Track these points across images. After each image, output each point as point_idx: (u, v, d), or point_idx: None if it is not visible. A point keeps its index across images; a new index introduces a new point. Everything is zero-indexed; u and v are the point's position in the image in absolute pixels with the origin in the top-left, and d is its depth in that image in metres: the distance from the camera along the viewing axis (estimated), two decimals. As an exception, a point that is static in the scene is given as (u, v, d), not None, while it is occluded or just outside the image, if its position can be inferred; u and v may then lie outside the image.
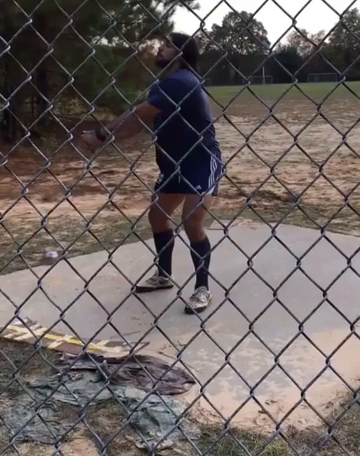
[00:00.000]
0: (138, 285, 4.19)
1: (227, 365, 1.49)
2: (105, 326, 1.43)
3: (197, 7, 16.69)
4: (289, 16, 0.91)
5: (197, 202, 3.71)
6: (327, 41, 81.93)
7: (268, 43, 78.96)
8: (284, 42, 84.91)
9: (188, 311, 3.59)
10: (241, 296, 3.36)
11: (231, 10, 1.12)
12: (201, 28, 0.97)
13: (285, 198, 7.19)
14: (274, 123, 15.12)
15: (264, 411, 1.19)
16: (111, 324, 1.18)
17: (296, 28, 0.93)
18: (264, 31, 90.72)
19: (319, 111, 0.91)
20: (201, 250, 3.61)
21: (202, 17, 1.05)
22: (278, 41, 1.07)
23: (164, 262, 3.99)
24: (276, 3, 0.91)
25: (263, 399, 2.58)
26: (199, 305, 3.75)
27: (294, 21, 0.91)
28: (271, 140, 13.35)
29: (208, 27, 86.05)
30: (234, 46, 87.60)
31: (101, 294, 3.70)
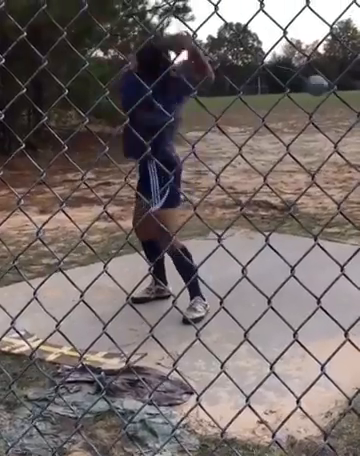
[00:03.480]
0: (135, 296, 4.20)
1: (225, 375, 1.48)
2: (102, 337, 1.42)
3: (192, 19, 16.79)
4: (280, 27, 0.92)
5: (158, 216, 3.68)
6: (321, 51, 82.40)
7: (263, 54, 79.27)
8: (279, 52, 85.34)
9: (185, 321, 3.58)
10: (238, 306, 3.35)
11: (228, 22, 1.13)
12: (194, 39, 0.98)
13: (282, 208, 7.20)
14: (270, 133, 15.10)
15: (262, 421, 1.19)
16: (107, 334, 1.18)
17: (287, 39, 0.94)
18: (259, 42, 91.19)
19: (311, 120, 0.92)
20: (181, 260, 3.62)
21: (195, 28, 1.06)
22: (270, 51, 1.08)
23: (158, 271, 3.99)
24: (267, 14, 0.92)
25: (261, 409, 2.57)
26: (196, 315, 3.75)
27: (285, 32, 0.92)
28: (267, 150, 13.38)
29: (203, 38, 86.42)
30: (229, 57, 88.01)
31: (98, 305, 3.66)
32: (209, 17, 0.97)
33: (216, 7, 0.97)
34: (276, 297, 1.26)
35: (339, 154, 1.00)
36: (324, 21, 0.95)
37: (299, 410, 1.45)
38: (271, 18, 0.94)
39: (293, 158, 1.05)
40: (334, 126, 18.57)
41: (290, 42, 1.02)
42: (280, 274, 1.37)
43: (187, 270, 3.64)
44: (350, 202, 7.41)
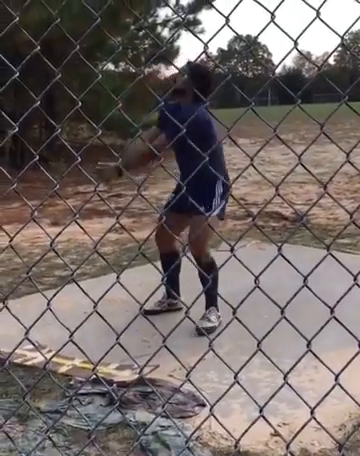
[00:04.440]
0: (146, 308, 4.19)
1: (238, 387, 1.48)
2: (115, 349, 1.42)
3: (202, 31, 16.88)
4: (291, 38, 0.92)
5: (202, 223, 3.74)
6: (332, 62, 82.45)
7: (273, 65, 79.38)
8: (289, 64, 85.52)
9: (199, 332, 3.57)
10: (251, 317, 3.34)
11: (239, 34, 1.14)
12: (205, 51, 0.99)
13: (293, 219, 7.18)
14: (281, 144, 15.13)
15: (276, 432, 1.18)
16: (120, 345, 1.18)
17: (298, 50, 0.95)
18: (269, 53, 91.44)
19: (322, 130, 0.92)
20: (208, 271, 3.61)
21: (206, 41, 1.07)
22: (280, 63, 1.08)
23: (172, 284, 3.98)
24: (278, 26, 0.93)
25: (275, 421, 2.56)
26: (210, 324, 3.74)
27: (296, 43, 0.93)
28: (278, 161, 13.38)
29: (214, 51, 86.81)
30: (240, 69, 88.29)
31: (111, 317, 3.66)
32: (220, 28, 0.98)
33: (227, 19, 0.97)
34: (289, 308, 1.25)
35: (351, 164, 1.00)
36: (334, 32, 0.95)
37: (313, 422, 1.44)
38: (282, 30, 0.94)
39: (305, 168, 1.05)
40: (345, 137, 18.55)
41: (301, 53, 1.02)
42: (292, 285, 1.37)
43: (212, 281, 3.66)
44: (362, 213, 7.37)
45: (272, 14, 0.94)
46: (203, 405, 2.75)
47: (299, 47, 1.03)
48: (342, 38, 0.95)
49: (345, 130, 20.55)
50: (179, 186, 3.93)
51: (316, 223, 7.01)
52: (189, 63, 3.86)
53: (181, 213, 3.71)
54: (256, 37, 1.05)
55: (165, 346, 1.15)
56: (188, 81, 3.65)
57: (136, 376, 2.99)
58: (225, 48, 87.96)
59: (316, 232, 6.41)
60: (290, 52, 0.95)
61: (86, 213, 7.79)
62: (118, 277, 1.15)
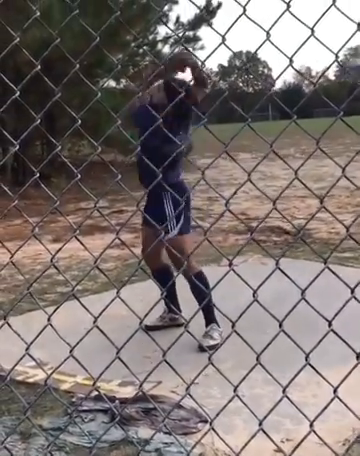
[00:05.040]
0: (148, 324, 4.18)
1: (241, 403, 1.47)
2: (117, 366, 1.42)
3: (202, 48, 17.03)
4: (286, 56, 0.93)
5: (174, 242, 3.68)
6: (332, 77, 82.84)
7: (273, 80, 79.84)
8: (289, 79, 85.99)
9: (201, 349, 3.56)
10: (253, 332, 3.33)
11: (235, 50, 1.15)
12: (202, 69, 1.00)
13: (295, 233, 7.19)
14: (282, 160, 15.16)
15: (278, 448, 1.18)
16: (121, 360, 1.18)
17: (293, 67, 0.96)
18: (269, 69, 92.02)
19: (318, 146, 0.93)
20: (197, 285, 3.62)
21: (204, 58, 1.08)
22: (277, 79, 1.10)
23: (171, 299, 3.97)
24: (273, 44, 0.94)
25: (278, 437, 2.54)
26: (212, 342, 3.73)
27: (291, 61, 0.94)
28: (279, 176, 13.41)
29: (214, 67, 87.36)
30: (240, 84, 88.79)
31: (112, 333, 3.65)
32: (216, 48, 0.99)
33: (223, 38, 0.99)
34: (292, 323, 1.26)
35: (347, 178, 1.01)
36: (329, 49, 0.97)
37: (316, 438, 1.43)
38: (277, 48, 0.96)
39: (302, 183, 1.06)
40: (347, 151, 18.61)
41: (297, 70, 1.03)
42: (296, 300, 1.37)
43: (202, 295, 3.64)
44: (364, 227, 7.38)
45: (267, 33, 0.95)
46: (206, 421, 2.74)
47: (299, 63, 1.05)
48: (336, 55, 0.96)
49: (346, 144, 20.61)
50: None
51: (318, 237, 7.01)
52: (165, 79, 3.79)
53: (152, 228, 3.71)
54: (252, 55, 1.07)
55: (165, 361, 1.15)
56: (164, 96, 3.62)
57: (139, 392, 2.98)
58: (225, 64, 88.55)
59: (317, 246, 6.41)
60: (286, 69, 0.96)
61: (88, 229, 7.80)
62: (118, 292, 1.15)
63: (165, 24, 6.73)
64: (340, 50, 0.94)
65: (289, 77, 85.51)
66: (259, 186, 1.30)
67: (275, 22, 0.98)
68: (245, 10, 0.99)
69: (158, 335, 3.71)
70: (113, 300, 1.25)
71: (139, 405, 2.82)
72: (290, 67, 1.10)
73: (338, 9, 0.95)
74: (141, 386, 1.18)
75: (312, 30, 0.96)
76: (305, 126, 1.34)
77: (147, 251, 3.83)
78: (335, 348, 1.66)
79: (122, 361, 1.24)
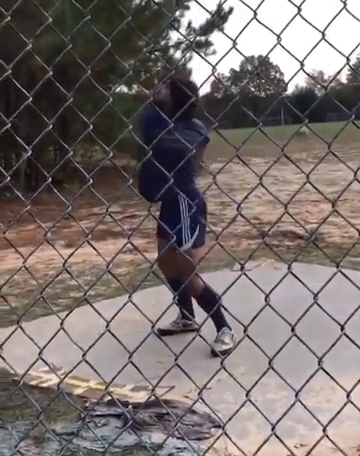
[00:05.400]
0: (161, 328, 4.16)
1: (254, 408, 1.47)
2: (130, 370, 1.42)
3: (214, 53, 17.06)
4: (297, 60, 0.93)
5: (178, 256, 3.65)
6: (344, 81, 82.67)
7: (285, 85, 79.75)
8: (302, 83, 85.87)
9: (214, 354, 3.55)
10: (266, 338, 3.33)
11: (247, 55, 1.15)
12: (213, 74, 1.00)
13: (307, 237, 7.16)
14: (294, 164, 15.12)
15: (292, 454, 1.17)
16: (133, 364, 1.18)
17: (305, 71, 0.96)
18: (281, 73, 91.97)
19: (330, 149, 0.93)
20: (202, 300, 3.61)
21: (215, 63, 1.08)
22: (288, 83, 1.09)
23: (185, 304, 3.97)
24: (284, 48, 0.94)
25: (292, 443, 2.53)
26: (224, 347, 3.71)
27: (302, 64, 0.94)
28: (291, 180, 13.38)
29: (226, 72, 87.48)
30: (252, 89, 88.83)
31: (124, 338, 3.65)
32: (227, 52, 1.00)
33: (234, 42, 0.99)
34: (305, 328, 1.25)
35: (359, 182, 1.01)
36: (340, 53, 0.96)
37: (330, 444, 1.42)
38: (288, 51, 0.95)
39: (313, 186, 1.06)
40: None
41: (308, 74, 1.03)
42: (309, 304, 1.36)
43: (211, 307, 3.62)
44: (377, 231, 7.33)
45: (278, 36, 0.95)
46: (219, 426, 2.73)
47: (311, 66, 1.06)
48: (347, 58, 0.96)
49: (359, 148, 20.52)
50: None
51: (331, 242, 6.97)
52: (172, 77, 3.80)
53: (166, 238, 3.67)
54: (264, 58, 1.07)
55: (177, 365, 1.14)
56: (167, 94, 3.62)
57: (152, 397, 2.98)
58: (237, 69, 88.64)
59: (331, 250, 6.38)
60: (297, 73, 0.96)
61: (100, 234, 7.82)
62: (130, 297, 1.16)
63: (176, 29, 6.75)
64: (351, 53, 0.94)
65: (301, 81, 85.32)
66: (271, 191, 1.29)
67: (286, 26, 0.98)
68: (256, 14, 0.99)
69: (171, 340, 3.70)
70: (125, 305, 1.25)
71: (152, 410, 2.82)
72: (302, 71, 1.10)
73: (349, 12, 0.95)
74: (153, 391, 1.18)
75: (323, 34, 0.96)
76: (317, 130, 1.34)
77: (161, 260, 3.80)
78: (348, 353, 1.65)
79: (135, 366, 1.24)
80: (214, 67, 1.00)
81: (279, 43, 0.93)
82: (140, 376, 1.50)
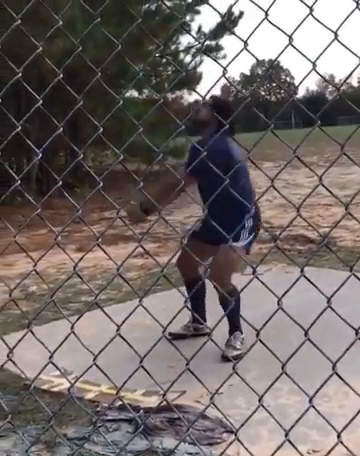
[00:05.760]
0: (172, 332, 4.16)
1: (266, 413, 1.45)
2: (142, 375, 1.41)
3: (224, 57, 17.08)
4: (309, 60, 0.92)
5: (227, 254, 3.74)
6: (355, 84, 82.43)
7: (295, 88, 79.74)
8: (312, 87, 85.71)
9: (225, 358, 3.54)
10: (279, 342, 3.30)
11: (258, 58, 1.14)
12: (224, 75, 0.99)
13: (319, 241, 7.12)
14: (306, 167, 15.11)
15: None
16: (144, 369, 1.17)
17: (317, 72, 0.95)
18: (291, 77, 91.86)
19: (343, 151, 0.92)
20: (228, 301, 3.61)
21: (227, 67, 1.08)
22: (299, 85, 1.08)
23: (197, 309, 3.96)
24: (295, 48, 0.93)
25: (305, 449, 2.50)
26: (235, 352, 3.70)
27: (314, 65, 0.93)
28: (303, 184, 13.33)
29: (236, 76, 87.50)
30: (263, 93, 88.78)
31: (136, 342, 3.64)
32: (238, 53, 0.99)
33: (246, 43, 0.98)
34: (319, 332, 1.24)
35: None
36: (353, 53, 0.95)
37: (344, 450, 1.40)
38: (300, 52, 0.94)
39: (327, 189, 1.05)
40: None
41: (320, 75, 1.02)
42: (322, 308, 1.34)
43: (233, 310, 3.64)
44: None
45: (290, 37, 0.94)
46: (231, 432, 2.71)
47: (321, 70, 1.04)
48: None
49: (371, 152, 20.43)
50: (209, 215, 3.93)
51: (343, 245, 6.93)
52: (212, 97, 3.91)
53: (205, 243, 3.78)
54: (275, 60, 1.06)
55: (189, 370, 1.13)
56: (210, 113, 3.69)
57: (163, 402, 2.96)
58: (248, 73, 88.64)
59: (343, 254, 6.34)
60: (308, 74, 0.95)
61: (111, 239, 7.82)
62: (141, 301, 1.15)
63: (188, 31, 6.75)
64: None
65: (312, 85, 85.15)
66: (283, 194, 1.28)
67: (298, 26, 0.96)
68: (267, 15, 0.98)
69: (182, 344, 3.68)
70: (135, 309, 1.24)
71: (164, 415, 2.81)
72: (313, 73, 1.09)
73: (363, 12, 0.94)
74: (164, 395, 1.17)
75: (336, 34, 0.95)
76: (329, 133, 1.33)
77: (183, 260, 3.92)
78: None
79: (146, 370, 1.23)
80: (225, 69, 0.99)
81: (291, 44, 0.92)
82: (151, 381, 1.49)
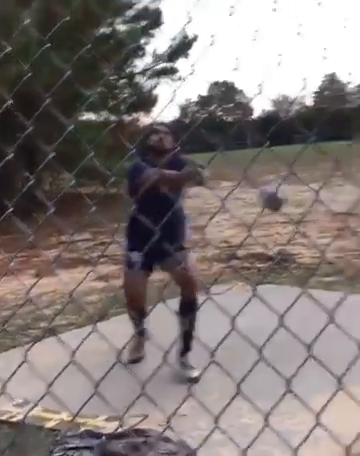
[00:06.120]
0: (130, 358, 4.14)
1: (228, 434, 1.45)
2: (99, 399, 1.39)
3: (180, 79, 17.26)
4: (257, 84, 0.95)
5: (186, 258, 3.80)
6: (309, 104, 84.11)
7: (251, 109, 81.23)
8: (268, 107, 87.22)
9: (190, 380, 3.52)
10: (235, 362, 3.31)
11: (214, 80, 1.16)
12: (172, 99, 1.01)
13: (277, 258, 7.20)
14: (263, 186, 15.34)
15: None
16: (100, 394, 1.16)
17: (263, 93, 0.97)
18: (246, 98, 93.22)
19: (291, 170, 0.94)
20: (192, 312, 3.66)
21: (185, 88, 1.09)
22: (250, 101, 1.10)
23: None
24: (240, 72, 0.95)
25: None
26: (197, 372, 3.66)
27: (260, 89, 0.95)
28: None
29: (193, 97, 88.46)
30: (219, 113, 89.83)
31: (96, 368, 3.59)
32: (189, 74, 1.00)
33: (193, 66, 1.00)
34: (275, 350, 1.24)
35: (321, 202, 1.02)
36: (299, 77, 0.98)
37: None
38: (245, 76, 0.97)
39: (270, 208, 1.06)
40: (326, 176, 18.74)
41: (267, 95, 1.04)
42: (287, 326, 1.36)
43: (191, 324, 3.70)
44: (346, 250, 7.43)
45: (236, 59, 0.97)
46: (194, 454, 2.68)
47: (277, 90, 1.07)
48: (305, 82, 0.97)
49: (325, 170, 20.82)
50: (142, 241, 3.99)
51: (302, 262, 7.02)
52: (163, 124, 3.95)
53: (149, 268, 3.90)
54: (224, 83, 1.07)
55: (146, 394, 1.13)
56: (170, 140, 3.77)
57: (126, 427, 2.92)
58: (205, 94, 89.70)
59: (301, 271, 6.42)
60: (255, 97, 0.97)
61: (71, 262, 7.75)
62: (95, 325, 1.14)
63: (138, 56, 6.79)
64: (305, 77, 0.95)
65: (267, 105, 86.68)
66: (240, 213, 1.30)
67: (244, 52, 0.99)
68: (213, 40, 1.00)
69: (142, 368, 3.66)
70: (89, 335, 1.23)
71: (126, 440, 2.77)
72: (269, 95, 1.12)
73: (304, 37, 0.97)
74: (121, 420, 1.16)
75: (280, 55, 0.98)
76: (285, 152, 1.35)
77: (134, 285, 3.93)
78: (326, 375, 1.64)
79: (101, 396, 1.21)
80: (174, 93, 1.00)
81: (238, 67, 0.94)
82: (113, 406, 1.48)
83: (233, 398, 1.21)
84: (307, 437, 1.18)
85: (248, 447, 1.15)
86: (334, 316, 1.18)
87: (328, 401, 1.14)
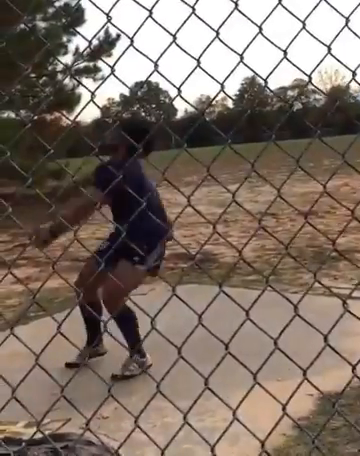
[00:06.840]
0: (68, 361, 4.06)
1: (152, 434, 1.45)
2: (22, 406, 1.37)
3: (102, 78, 17.15)
4: (174, 86, 0.96)
5: (125, 275, 3.73)
6: (231, 105, 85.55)
7: (175, 109, 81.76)
8: (191, 108, 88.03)
9: (114, 378, 3.47)
10: (161, 362, 3.32)
11: (137, 80, 1.17)
12: (92, 100, 1.01)
13: (201, 259, 7.28)
14: (187, 186, 15.50)
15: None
16: (16, 398, 1.14)
17: (182, 97, 0.98)
18: (170, 98, 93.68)
19: (209, 172, 0.96)
20: (122, 322, 3.59)
21: (107, 86, 1.09)
22: (165, 106, 1.11)
23: (96, 331, 3.88)
24: (160, 74, 0.96)
25: (191, 466, 2.52)
26: (127, 373, 3.62)
27: (179, 91, 0.96)
28: (183, 203, 13.55)
29: (116, 96, 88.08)
30: (143, 114, 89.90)
31: (17, 373, 3.51)
32: (107, 77, 1.00)
33: (112, 68, 0.99)
34: (200, 351, 1.26)
35: (236, 203, 1.05)
36: (215, 80, 1.00)
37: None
38: (165, 78, 0.98)
39: (195, 210, 1.08)
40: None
41: (183, 98, 1.06)
42: (207, 325, 1.37)
43: (126, 330, 3.60)
44: (267, 249, 7.61)
45: (156, 63, 0.97)
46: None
47: (201, 91, 1.09)
48: (222, 85, 0.99)
49: (247, 170, 21.21)
50: (114, 236, 3.96)
51: (224, 262, 7.13)
52: (124, 119, 3.92)
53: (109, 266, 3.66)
54: (144, 83, 1.08)
55: (64, 397, 1.12)
56: (117, 135, 3.55)
57: (47, 432, 2.87)
58: (127, 94, 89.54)
59: (223, 270, 6.52)
60: (174, 99, 0.99)
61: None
62: (12, 329, 1.12)
63: (55, 57, 6.72)
64: (225, 80, 0.97)
65: (190, 106, 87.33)
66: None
67: (163, 52, 1.00)
68: (132, 42, 1.01)
69: (74, 371, 3.60)
70: (7, 338, 1.21)
71: (47, 446, 2.72)
72: (192, 95, 1.13)
73: (222, 41, 0.99)
74: (39, 425, 1.14)
75: (198, 61, 0.99)
76: (209, 153, 1.37)
77: (90, 282, 3.64)
78: (241, 369, 1.68)
79: (18, 400, 1.19)
80: (93, 93, 0.99)
81: (156, 70, 0.95)
82: (34, 411, 1.45)
83: (152, 398, 1.22)
84: (223, 433, 1.20)
85: (167, 446, 1.16)
86: (250, 312, 1.21)
87: (244, 397, 1.17)
